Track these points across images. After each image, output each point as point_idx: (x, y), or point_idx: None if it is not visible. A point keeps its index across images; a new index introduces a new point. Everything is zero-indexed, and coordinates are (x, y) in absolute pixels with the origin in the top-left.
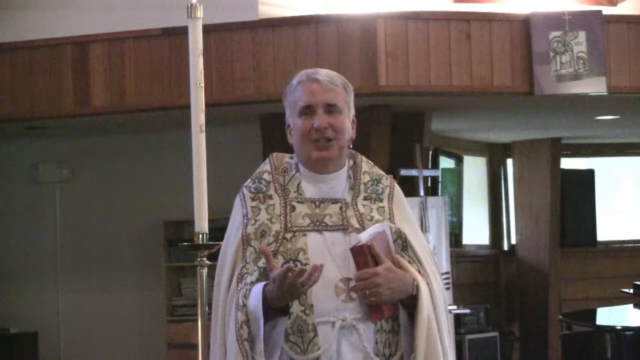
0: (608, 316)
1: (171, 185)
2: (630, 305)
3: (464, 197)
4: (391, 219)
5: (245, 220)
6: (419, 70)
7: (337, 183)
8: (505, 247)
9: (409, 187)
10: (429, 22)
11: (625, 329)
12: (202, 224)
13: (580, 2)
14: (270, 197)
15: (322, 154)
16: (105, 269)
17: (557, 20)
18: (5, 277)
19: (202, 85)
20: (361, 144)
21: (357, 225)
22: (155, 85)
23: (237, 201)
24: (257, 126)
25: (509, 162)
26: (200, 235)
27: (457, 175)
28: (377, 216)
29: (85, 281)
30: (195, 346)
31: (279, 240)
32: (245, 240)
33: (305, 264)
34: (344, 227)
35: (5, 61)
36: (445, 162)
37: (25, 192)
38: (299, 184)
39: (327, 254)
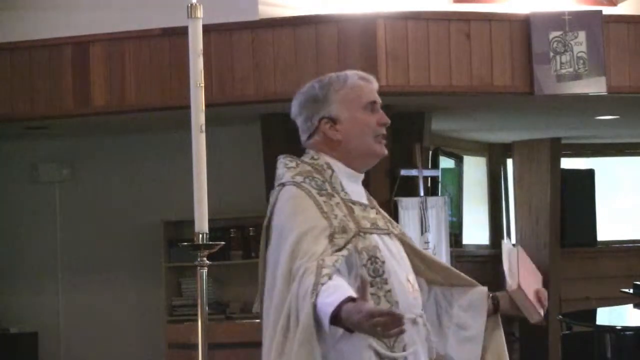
0: (608, 316)
1: (171, 185)
2: (630, 305)
3: (464, 197)
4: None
5: (324, 214)
6: (419, 70)
7: (361, 185)
8: None
9: (409, 187)
10: (429, 22)
11: (625, 329)
12: (202, 224)
13: (580, 2)
14: (332, 195)
15: (384, 149)
16: (105, 269)
17: (557, 20)
18: (5, 277)
19: (202, 85)
20: None
21: (395, 231)
22: (155, 85)
23: (299, 193)
24: (257, 126)
25: (509, 162)
26: (200, 235)
27: (457, 175)
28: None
29: (85, 281)
30: (195, 346)
31: (356, 238)
32: (332, 235)
33: (383, 262)
34: (388, 232)
35: (5, 61)
36: (445, 162)
37: (25, 192)
38: (340, 182)
39: (390, 254)
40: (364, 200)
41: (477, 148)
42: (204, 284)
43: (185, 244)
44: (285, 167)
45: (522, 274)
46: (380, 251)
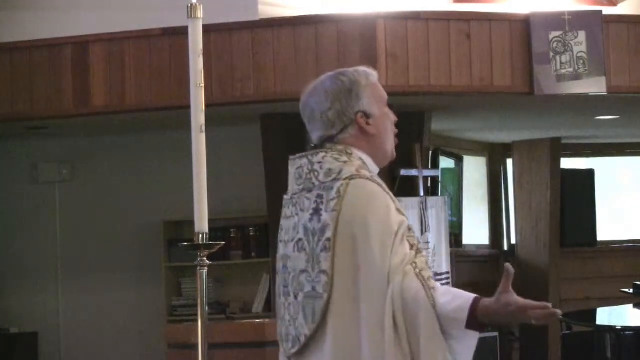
0: (608, 316)
1: (171, 185)
2: (630, 305)
3: (464, 197)
4: None
5: (399, 211)
6: (419, 70)
7: None
8: (505, 247)
9: (409, 187)
10: (429, 22)
11: (625, 329)
12: (202, 224)
13: (580, 2)
14: (388, 193)
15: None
16: (105, 269)
17: (557, 20)
18: (5, 277)
19: (202, 85)
20: None
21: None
22: (155, 85)
23: (377, 188)
24: (257, 126)
25: (509, 162)
26: (200, 235)
27: (457, 175)
28: None
29: (85, 281)
30: (195, 346)
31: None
32: (409, 228)
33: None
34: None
35: (5, 61)
36: (445, 162)
37: (25, 192)
38: None
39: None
40: None
41: (477, 148)
42: (204, 284)
43: (185, 244)
44: (337, 161)
45: None
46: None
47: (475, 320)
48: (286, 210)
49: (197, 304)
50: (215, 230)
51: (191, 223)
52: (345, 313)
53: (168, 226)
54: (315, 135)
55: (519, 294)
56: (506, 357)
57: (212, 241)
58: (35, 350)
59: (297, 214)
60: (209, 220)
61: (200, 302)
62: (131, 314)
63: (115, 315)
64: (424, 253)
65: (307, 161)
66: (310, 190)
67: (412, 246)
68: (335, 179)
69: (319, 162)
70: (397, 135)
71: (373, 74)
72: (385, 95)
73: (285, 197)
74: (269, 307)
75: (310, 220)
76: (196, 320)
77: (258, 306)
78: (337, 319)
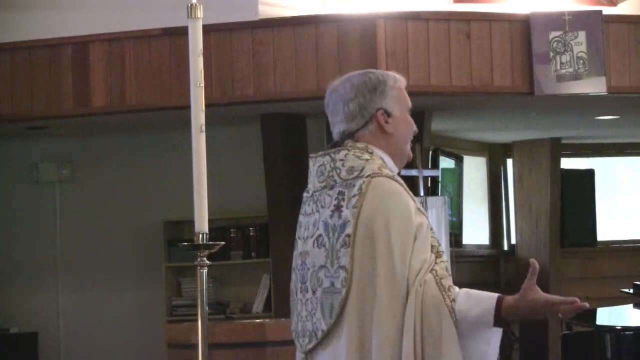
0: (608, 316)
1: (171, 185)
2: (630, 305)
3: (464, 197)
4: None
5: (420, 211)
6: (419, 70)
7: None
8: (505, 247)
9: (409, 187)
10: (429, 22)
11: (625, 329)
12: (202, 224)
13: (580, 2)
14: (409, 193)
15: (411, 154)
16: (105, 269)
17: (557, 20)
18: (5, 277)
19: (202, 85)
20: None
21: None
22: (155, 85)
23: (398, 188)
24: (257, 126)
25: (509, 162)
26: (200, 235)
27: (457, 175)
28: None
29: (85, 281)
30: (195, 346)
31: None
32: (430, 228)
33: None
34: None
35: (5, 61)
36: (445, 162)
37: (25, 192)
38: None
39: None
40: None
41: (477, 148)
42: (204, 284)
43: (185, 244)
44: (360, 159)
45: None
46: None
47: (500, 319)
48: (306, 207)
49: (197, 304)
50: (215, 230)
51: (191, 223)
52: (362, 310)
53: (168, 226)
54: (336, 130)
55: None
56: (506, 357)
57: (212, 241)
58: (35, 350)
59: (317, 211)
60: (209, 220)
61: (200, 302)
62: (131, 314)
63: (115, 315)
64: (444, 257)
65: (330, 159)
66: (332, 187)
67: (432, 247)
68: (358, 177)
69: (341, 160)
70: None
71: (402, 80)
72: (409, 103)
73: (305, 194)
74: (269, 307)
75: (331, 216)
76: (196, 320)
77: (258, 306)
78: (354, 315)
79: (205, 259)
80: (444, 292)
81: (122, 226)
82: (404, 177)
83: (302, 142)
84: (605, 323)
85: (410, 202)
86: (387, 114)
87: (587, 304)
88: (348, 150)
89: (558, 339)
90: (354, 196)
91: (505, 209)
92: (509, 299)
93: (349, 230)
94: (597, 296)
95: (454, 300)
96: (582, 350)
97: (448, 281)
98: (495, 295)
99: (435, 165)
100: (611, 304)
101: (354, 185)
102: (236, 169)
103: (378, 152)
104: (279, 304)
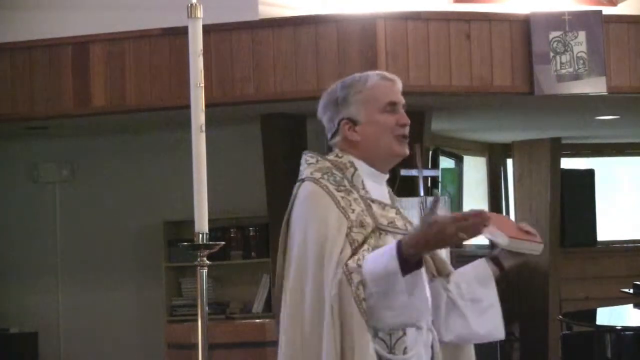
0: (608, 316)
1: (171, 185)
2: (630, 305)
3: (464, 197)
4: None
5: (341, 209)
6: (419, 70)
7: (385, 185)
8: None
9: (409, 187)
10: (429, 22)
11: (625, 329)
12: (202, 224)
13: (580, 2)
14: (351, 191)
15: (405, 149)
16: (105, 269)
17: (557, 20)
18: (5, 277)
19: (202, 85)
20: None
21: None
22: (155, 85)
23: (317, 190)
24: (257, 126)
25: (509, 162)
26: (200, 235)
27: (457, 175)
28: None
29: (85, 281)
30: (195, 346)
31: (376, 234)
32: (350, 228)
33: None
34: (406, 233)
35: (5, 61)
36: (445, 162)
37: (25, 192)
38: (362, 181)
39: None
40: (386, 200)
41: (477, 148)
42: (204, 284)
43: (185, 244)
44: (306, 162)
45: (502, 228)
46: None
47: (406, 262)
48: None
49: (197, 304)
50: (215, 230)
51: (191, 223)
52: (283, 313)
53: (168, 226)
54: None
55: (520, 294)
56: (506, 357)
57: (212, 241)
58: (35, 350)
59: None
60: (209, 220)
61: (200, 302)
62: (131, 314)
63: (115, 315)
64: (365, 248)
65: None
66: None
67: (355, 242)
68: (297, 181)
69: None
70: (407, 135)
71: (373, 77)
72: (382, 98)
73: None
74: (269, 307)
75: None
76: (196, 320)
77: (258, 306)
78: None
79: (205, 259)
80: (352, 287)
81: (122, 226)
82: (404, 177)
83: (302, 142)
84: (605, 323)
85: (329, 203)
86: (353, 121)
87: (486, 215)
88: (312, 155)
89: (558, 339)
90: (290, 200)
91: (505, 209)
92: (420, 225)
93: (282, 235)
94: (597, 296)
95: (358, 287)
96: (582, 350)
97: (356, 276)
98: (394, 241)
99: (435, 165)
100: (611, 304)
101: (294, 190)
102: (236, 169)
103: (349, 157)
104: (279, 304)
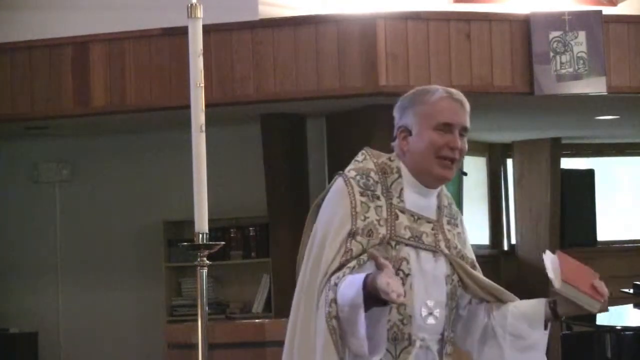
0: (608, 316)
1: (171, 185)
2: (630, 305)
3: (464, 197)
4: (465, 246)
5: (354, 213)
6: (419, 70)
7: (433, 200)
8: (505, 247)
9: None
10: (429, 22)
11: (625, 329)
12: (202, 224)
13: (580, 2)
14: (378, 197)
15: (446, 173)
16: (105, 269)
17: (557, 20)
18: (5, 277)
19: (202, 85)
20: (361, 144)
21: (446, 251)
22: (155, 85)
23: (342, 188)
24: (257, 126)
25: (509, 162)
26: (200, 235)
27: (457, 175)
28: (458, 244)
29: (85, 281)
30: (195, 346)
31: (384, 245)
32: (352, 234)
33: (408, 274)
34: (434, 250)
35: (5, 61)
36: None
37: (25, 192)
38: (401, 189)
39: (420, 271)
40: (424, 213)
41: (477, 148)
42: (204, 284)
43: (185, 244)
44: (355, 159)
45: (564, 270)
46: (409, 264)
47: (371, 296)
48: None
49: (197, 304)
50: (215, 230)
51: (191, 223)
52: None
53: (168, 226)
54: None
55: (519, 294)
56: None
57: (212, 241)
58: (35, 350)
59: None
60: (209, 220)
61: (200, 302)
62: (131, 314)
63: (115, 315)
64: (351, 264)
65: None
66: None
67: (347, 252)
68: (338, 173)
69: None
70: (455, 159)
71: (439, 93)
72: (439, 117)
73: None
74: (269, 307)
75: None
76: (196, 320)
77: (258, 306)
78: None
79: (205, 259)
80: (326, 306)
81: (122, 226)
82: None
83: (302, 142)
84: (605, 323)
85: (344, 202)
86: (409, 131)
87: (387, 265)
88: (364, 150)
89: (558, 339)
90: (327, 187)
91: (505, 209)
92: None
93: (308, 220)
94: None
95: (331, 304)
96: (582, 350)
97: (332, 294)
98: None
99: None
100: (611, 304)
101: None
102: (236, 169)
103: (398, 163)
104: (279, 304)
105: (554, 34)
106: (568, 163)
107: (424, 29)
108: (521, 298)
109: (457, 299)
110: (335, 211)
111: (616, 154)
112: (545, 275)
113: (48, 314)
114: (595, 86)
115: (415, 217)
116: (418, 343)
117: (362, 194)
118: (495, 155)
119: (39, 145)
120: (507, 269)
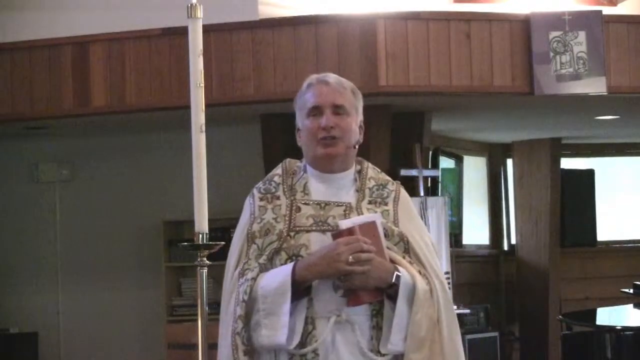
0: (608, 316)
1: (171, 185)
2: (630, 305)
3: (464, 197)
4: (395, 222)
5: (251, 219)
6: (419, 70)
7: (343, 184)
8: (505, 247)
9: (409, 187)
10: (429, 22)
11: (625, 329)
12: (202, 224)
13: (580, 2)
14: (278, 197)
15: (327, 150)
16: (105, 269)
17: (557, 20)
18: (5, 277)
19: (202, 85)
20: (361, 144)
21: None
22: (155, 85)
23: (247, 201)
24: (257, 126)
25: (509, 162)
26: (200, 235)
27: (457, 175)
28: (383, 220)
29: (85, 281)
30: (195, 346)
31: (282, 239)
32: (250, 238)
33: None
34: (319, 230)
35: (5, 61)
36: (445, 162)
37: (25, 192)
38: (305, 183)
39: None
40: (334, 199)
41: (477, 148)
42: (204, 284)
43: (185, 244)
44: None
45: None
46: (308, 249)
47: (298, 287)
48: None
49: (197, 304)
50: (215, 230)
51: (191, 223)
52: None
53: (168, 226)
54: None
55: (519, 293)
56: (506, 357)
57: (212, 241)
58: (35, 350)
59: None
60: (209, 220)
61: (200, 302)
62: (131, 314)
63: (115, 315)
64: (255, 271)
65: None
66: None
67: (255, 251)
68: None
69: None
70: (332, 136)
71: (305, 83)
72: (308, 104)
73: None
74: None
75: None
76: (196, 320)
77: None
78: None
79: (205, 259)
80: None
81: (122, 226)
82: (405, 177)
83: None
84: (605, 323)
85: (246, 213)
86: (299, 129)
87: (367, 247)
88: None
89: (558, 339)
90: None
91: (505, 209)
92: (310, 254)
93: None
94: (597, 296)
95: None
96: (582, 350)
97: (249, 274)
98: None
99: (435, 165)
100: (611, 304)
101: None
102: (236, 169)
103: (305, 161)
104: None
105: (554, 34)
106: (568, 163)
107: (424, 29)
108: (521, 297)
109: None
110: (239, 223)
111: (616, 154)
112: (545, 275)
113: (48, 314)
114: (595, 86)
115: (323, 205)
116: (333, 319)
117: (261, 199)
118: (495, 155)
119: (39, 145)
120: (507, 269)
